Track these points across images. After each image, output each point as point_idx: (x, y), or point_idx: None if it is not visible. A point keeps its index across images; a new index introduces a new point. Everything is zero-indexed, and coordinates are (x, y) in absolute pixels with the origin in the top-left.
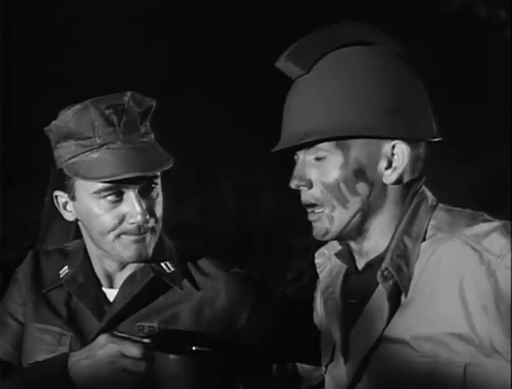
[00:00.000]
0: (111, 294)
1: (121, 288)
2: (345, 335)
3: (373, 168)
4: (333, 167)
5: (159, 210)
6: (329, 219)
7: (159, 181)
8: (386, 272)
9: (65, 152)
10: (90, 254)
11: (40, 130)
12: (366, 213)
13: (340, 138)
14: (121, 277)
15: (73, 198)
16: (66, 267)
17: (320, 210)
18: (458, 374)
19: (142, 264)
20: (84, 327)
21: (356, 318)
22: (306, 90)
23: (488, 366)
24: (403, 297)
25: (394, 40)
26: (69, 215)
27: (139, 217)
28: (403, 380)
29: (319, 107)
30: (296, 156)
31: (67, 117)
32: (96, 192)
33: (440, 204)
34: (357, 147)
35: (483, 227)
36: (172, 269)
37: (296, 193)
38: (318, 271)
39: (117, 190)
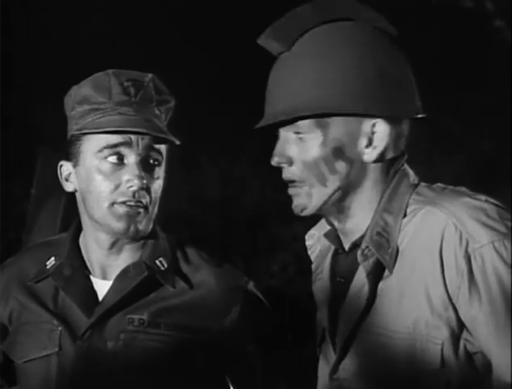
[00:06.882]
0: (99, 286)
1: (114, 284)
2: (332, 313)
3: (352, 147)
4: (312, 146)
5: (156, 191)
6: (307, 195)
7: (162, 161)
8: (366, 250)
9: (77, 117)
10: (80, 242)
11: (40, 130)
12: (346, 191)
13: (319, 117)
14: (112, 267)
15: (76, 163)
16: (53, 258)
17: (299, 186)
18: (436, 351)
19: (136, 258)
20: (73, 321)
21: (344, 296)
22: (287, 67)
23: (464, 343)
24: (385, 273)
25: (380, 15)
26: (69, 186)
27: (136, 180)
28: (386, 355)
29: (298, 84)
30: (277, 134)
31: (87, 82)
32: (99, 151)
33: (422, 183)
34: (337, 126)
35: (468, 203)
36: (165, 266)
37: (283, 183)
38: (309, 252)
39: (118, 150)
